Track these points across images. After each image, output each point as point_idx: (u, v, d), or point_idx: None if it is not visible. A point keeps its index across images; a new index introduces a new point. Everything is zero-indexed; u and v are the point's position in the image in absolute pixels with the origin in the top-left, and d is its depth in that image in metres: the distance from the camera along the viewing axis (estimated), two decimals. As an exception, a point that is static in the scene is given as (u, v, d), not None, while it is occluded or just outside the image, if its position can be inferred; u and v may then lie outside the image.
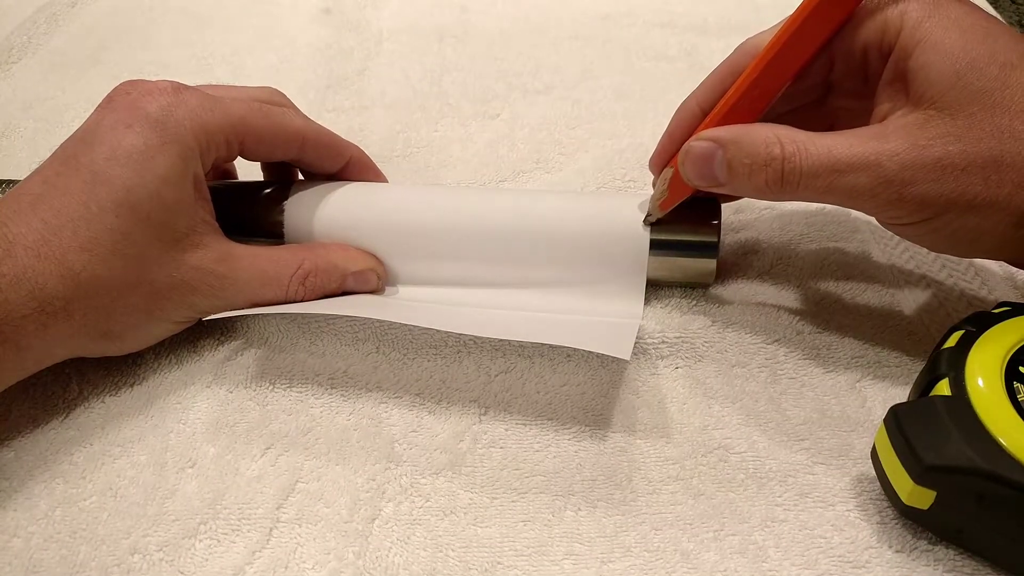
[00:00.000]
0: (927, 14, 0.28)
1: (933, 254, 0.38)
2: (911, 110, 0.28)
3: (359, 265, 0.36)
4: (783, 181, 0.29)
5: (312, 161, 0.37)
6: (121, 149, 0.31)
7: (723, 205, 0.36)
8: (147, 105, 0.32)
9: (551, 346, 0.34)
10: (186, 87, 0.33)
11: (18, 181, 0.32)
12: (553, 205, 0.36)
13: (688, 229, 0.35)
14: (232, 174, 0.41)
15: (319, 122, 0.37)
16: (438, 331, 0.35)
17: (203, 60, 0.55)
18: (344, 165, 0.38)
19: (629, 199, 0.36)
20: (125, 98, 0.32)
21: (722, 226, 0.35)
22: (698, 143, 0.31)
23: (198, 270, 0.32)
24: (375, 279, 0.36)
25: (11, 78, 0.54)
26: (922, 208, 0.28)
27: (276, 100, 0.37)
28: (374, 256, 0.36)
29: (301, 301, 0.35)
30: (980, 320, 0.29)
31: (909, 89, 0.28)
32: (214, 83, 0.36)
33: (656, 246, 0.35)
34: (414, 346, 0.35)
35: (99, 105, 0.32)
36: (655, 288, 0.37)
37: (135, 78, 0.33)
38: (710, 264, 0.35)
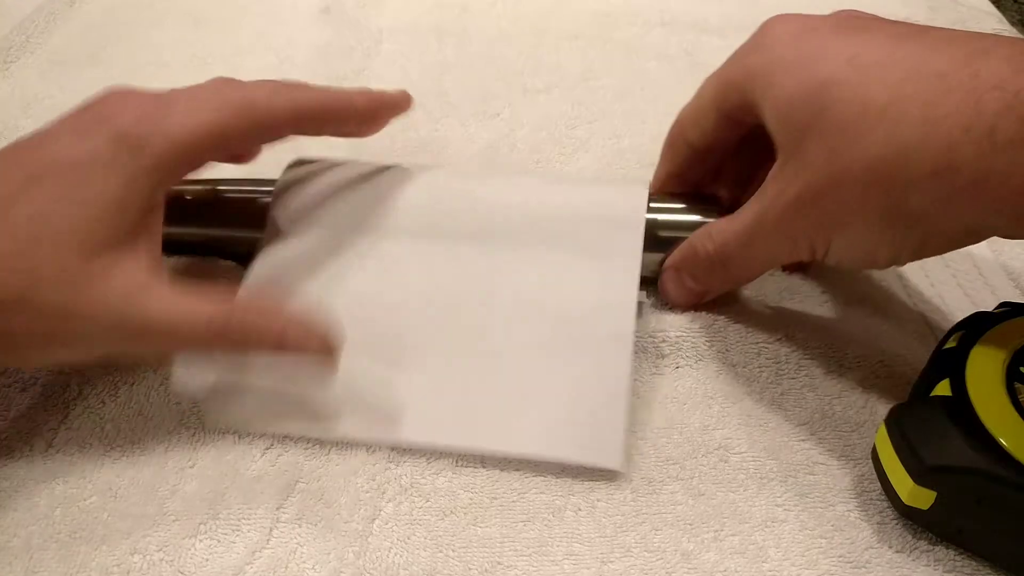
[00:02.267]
0: (761, 59, 0.30)
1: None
2: (777, 159, 0.30)
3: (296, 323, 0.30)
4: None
5: (320, 133, 0.36)
6: (66, 157, 0.29)
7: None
8: (115, 116, 0.29)
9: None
10: (173, 100, 0.30)
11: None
12: (551, 195, 0.36)
13: (687, 228, 0.35)
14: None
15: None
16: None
17: (203, 60, 0.55)
18: (358, 125, 0.37)
19: (627, 185, 0.36)
20: (98, 105, 0.30)
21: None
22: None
23: (104, 304, 0.28)
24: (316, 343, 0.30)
25: (10, 78, 0.54)
26: (810, 247, 0.30)
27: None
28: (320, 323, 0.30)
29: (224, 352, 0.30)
30: (981, 320, 0.29)
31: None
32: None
33: (656, 245, 0.35)
34: (414, 346, 0.35)
35: (77, 105, 0.31)
36: (655, 287, 0.37)
37: (134, 78, 0.33)
38: (710, 264, 0.35)
